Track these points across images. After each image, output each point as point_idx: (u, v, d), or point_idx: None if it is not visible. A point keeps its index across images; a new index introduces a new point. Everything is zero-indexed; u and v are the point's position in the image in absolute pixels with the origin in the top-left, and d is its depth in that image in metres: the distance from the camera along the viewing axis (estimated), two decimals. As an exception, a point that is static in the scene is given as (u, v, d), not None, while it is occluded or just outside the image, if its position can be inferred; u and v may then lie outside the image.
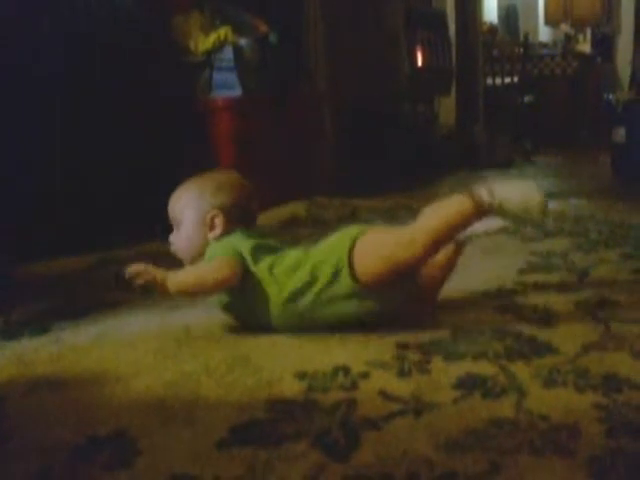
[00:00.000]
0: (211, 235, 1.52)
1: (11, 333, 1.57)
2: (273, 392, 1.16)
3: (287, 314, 1.44)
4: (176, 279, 1.41)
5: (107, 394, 1.20)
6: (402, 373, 1.21)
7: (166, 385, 1.22)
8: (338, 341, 1.38)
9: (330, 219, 2.79)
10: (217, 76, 2.83)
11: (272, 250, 1.49)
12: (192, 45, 2.78)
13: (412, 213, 2.80)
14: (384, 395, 1.13)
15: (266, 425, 1.05)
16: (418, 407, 1.08)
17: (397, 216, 2.78)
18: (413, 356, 1.28)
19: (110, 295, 1.79)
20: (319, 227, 2.62)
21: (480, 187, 1.39)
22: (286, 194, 2.93)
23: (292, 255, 1.47)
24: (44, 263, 2.14)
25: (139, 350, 1.40)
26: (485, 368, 1.21)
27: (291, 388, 1.17)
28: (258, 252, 1.46)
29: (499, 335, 1.36)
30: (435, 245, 1.40)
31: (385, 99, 4.35)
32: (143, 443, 1.01)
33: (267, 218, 2.72)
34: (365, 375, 1.21)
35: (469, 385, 1.15)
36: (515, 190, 1.40)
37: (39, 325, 1.60)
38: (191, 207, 1.54)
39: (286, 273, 1.44)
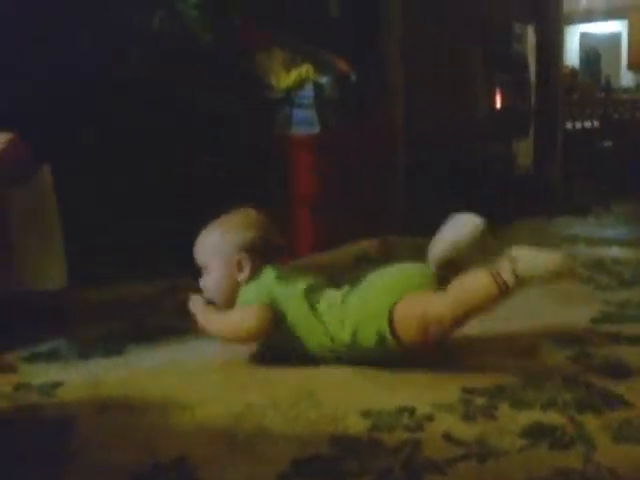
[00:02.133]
0: (240, 277, 1.55)
1: (85, 354, 1.61)
2: (337, 428, 1.16)
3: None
4: (216, 323, 1.53)
5: (172, 421, 1.22)
6: (467, 417, 1.20)
7: (231, 415, 1.23)
8: (403, 381, 1.37)
9: (401, 259, 2.77)
10: (296, 112, 2.87)
11: (312, 289, 1.50)
12: (274, 81, 2.84)
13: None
14: (448, 438, 1.12)
15: (329, 461, 1.05)
16: (483, 453, 1.06)
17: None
18: (479, 400, 1.27)
19: (179, 322, 1.83)
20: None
21: (504, 264, 1.34)
22: (359, 231, 2.94)
23: (329, 307, 1.47)
24: (115, 288, 2.19)
25: (206, 379, 1.42)
26: (553, 418, 1.19)
27: (356, 425, 1.17)
28: (304, 293, 1.49)
29: (569, 385, 1.34)
30: (461, 323, 1.38)
31: (461, 139, 4.34)
32: (204, 472, 1.03)
33: (338, 255, 2.73)
34: (430, 417, 1.20)
35: (536, 434, 1.13)
36: (538, 259, 1.35)
37: (111, 347, 1.64)
38: (215, 252, 1.57)
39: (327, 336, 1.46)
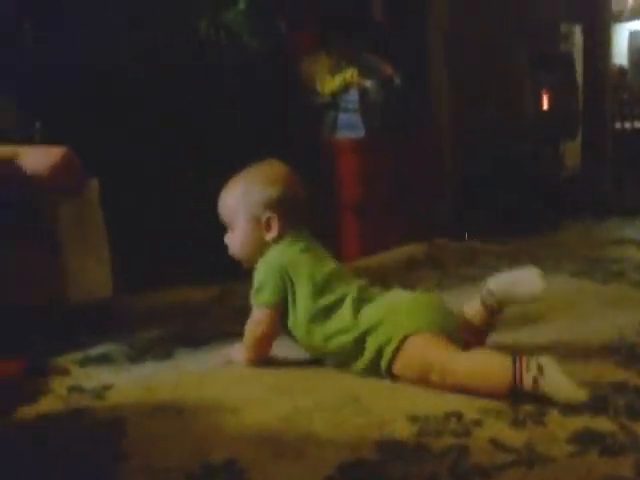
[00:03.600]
0: (268, 237, 1.52)
1: (135, 357, 1.64)
2: (384, 433, 1.16)
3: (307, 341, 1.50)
4: (244, 348, 1.53)
5: (222, 424, 1.24)
6: (516, 423, 1.19)
7: (279, 419, 1.24)
8: (451, 386, 1.37)
9: (449, 262, 2.75)
10: (342, 117, 2.88)
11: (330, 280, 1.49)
12: (319, 86, 2.85)
13: (534, 259, 2.76)
14: (496, 444, 1.11)
15: (375, 466, 1.05)
16: (531, 459, 1.05)
17: (518, 261, 2.72)
18: (528, 406, 1.25)
19: (230, 326, 1.85)
20: (438, 270, 2.59)
21: (532, 366, 1.27)
22: (406, 235, 2.93)
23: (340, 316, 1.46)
24: (168, 292, 2.23)
25: (255, 383, 1.44)
26: (604, 424, 1.17)
27: (402, 430, 1.17)
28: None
29: (619, 390, 1.32)
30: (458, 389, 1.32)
31: (508, 142, 4.30)
32: (253, 474, 1.04)
33: (386, 258, 2.73)
34: (478, 422, 1.19)
35: (586, 440, 1.11)
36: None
37: (162, 351, 1.67)
38: (241, 209, 1.53)
39: (329, 332, 1.46)
